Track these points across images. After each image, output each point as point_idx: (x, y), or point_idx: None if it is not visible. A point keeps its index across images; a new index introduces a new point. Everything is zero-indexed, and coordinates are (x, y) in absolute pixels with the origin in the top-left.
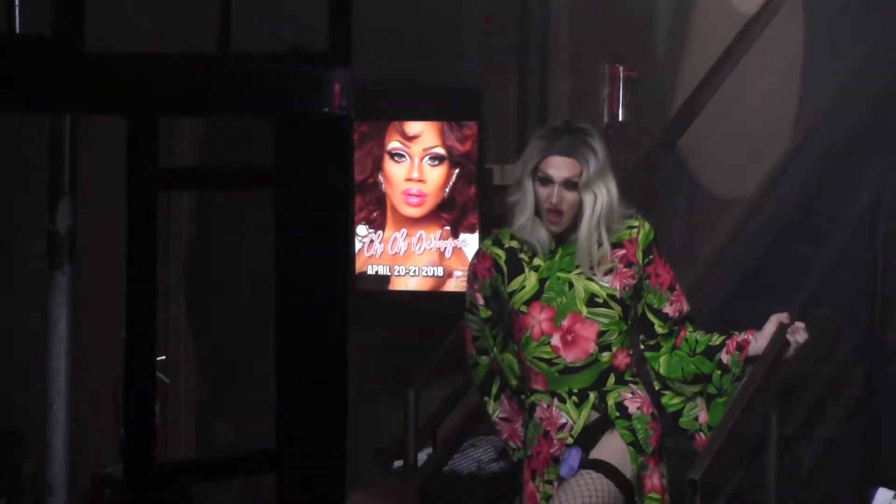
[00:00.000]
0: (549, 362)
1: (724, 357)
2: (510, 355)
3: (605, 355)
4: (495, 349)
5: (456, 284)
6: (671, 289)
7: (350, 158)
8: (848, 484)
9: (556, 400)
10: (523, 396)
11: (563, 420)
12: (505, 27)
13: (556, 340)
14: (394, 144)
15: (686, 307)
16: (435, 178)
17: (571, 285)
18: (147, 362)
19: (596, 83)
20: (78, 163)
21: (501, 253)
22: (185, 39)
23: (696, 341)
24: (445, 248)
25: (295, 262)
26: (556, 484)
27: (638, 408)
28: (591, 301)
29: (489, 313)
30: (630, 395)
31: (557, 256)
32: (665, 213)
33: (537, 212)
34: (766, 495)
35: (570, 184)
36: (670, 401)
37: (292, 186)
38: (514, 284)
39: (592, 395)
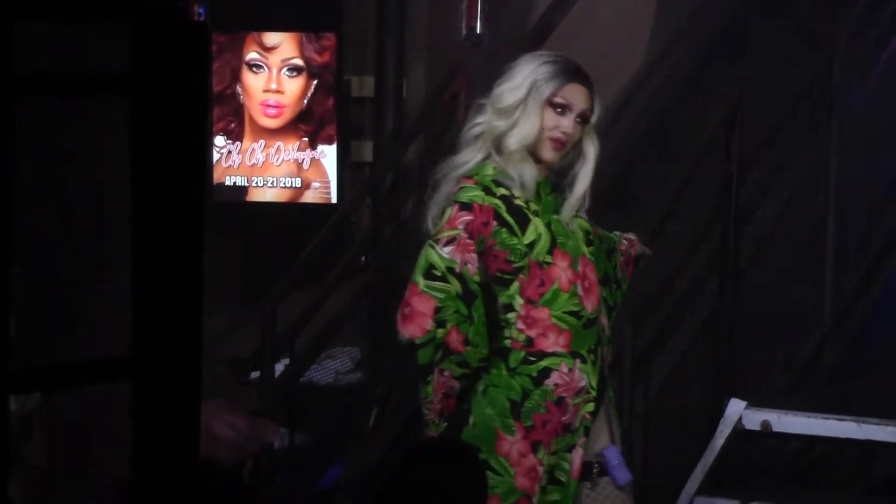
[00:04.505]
0: (577, 315)
1: (619, 267)
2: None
3: (601, 305)
4: (478, 321)
5: (314, 196)
6: None
7: (208, 67)
8: (701, 396)
9: (577, 361)
10: (513, 365)
11: (583, 383)
12: None
13: (579, 289)
14: (252, 55)
15: None
16: (293, 89)
17: (569, 225)
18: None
19: None
20: None
21: (500, 203)
22: None
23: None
24: (303, 159)
25: (150, 170)
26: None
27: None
28: (588, 240)
29: (480, 278)
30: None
31: (542, 196)
32: None
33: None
34: (621, 408)
35: (583, 118)
36: None
37: (148, 93)
38: (531, 234)
39: (600, 353)
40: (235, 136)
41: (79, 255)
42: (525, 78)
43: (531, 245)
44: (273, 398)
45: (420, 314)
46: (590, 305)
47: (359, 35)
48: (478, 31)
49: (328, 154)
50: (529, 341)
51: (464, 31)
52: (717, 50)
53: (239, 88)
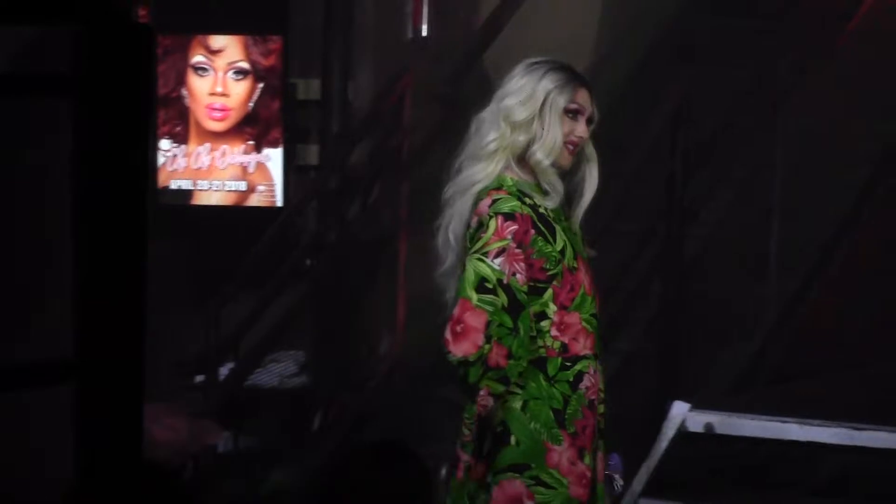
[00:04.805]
0: (596, 317)
1: None
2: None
3: None
4: (523, 333)
5: (259, 199)
6: None
7: (152, 69)
8: (646, 396)
9: (598, 363)
10: (552, 374)
11: (601, 384)
12: None
13: (593, 292)
14: (197, 58)
15: None
16: (239, 92)
17: (575, 233)
18: None
19: None
20: None
21: (531, 211)
22: None
23: None
24: (249, 162)
25: (93, 172)
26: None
27: None
28: (582, 244)
29: (526, 288)
30: None
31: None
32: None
33: None
34: None
35: (590, 120)
36: None
37: (92, 95)
38: (560, 242)
39: None
40: (181, 139)
41: (21, 257)
42: (535, 89)
43: (562, 251)
44: (218, 401)
45: (474, 330)
46: (597, 308)
47: (305, 38)
48: (424, 33)
49: (273, 157)
50: (564, 347)
51: (410, 33)
52: (664, 49)
53: (184, 91)
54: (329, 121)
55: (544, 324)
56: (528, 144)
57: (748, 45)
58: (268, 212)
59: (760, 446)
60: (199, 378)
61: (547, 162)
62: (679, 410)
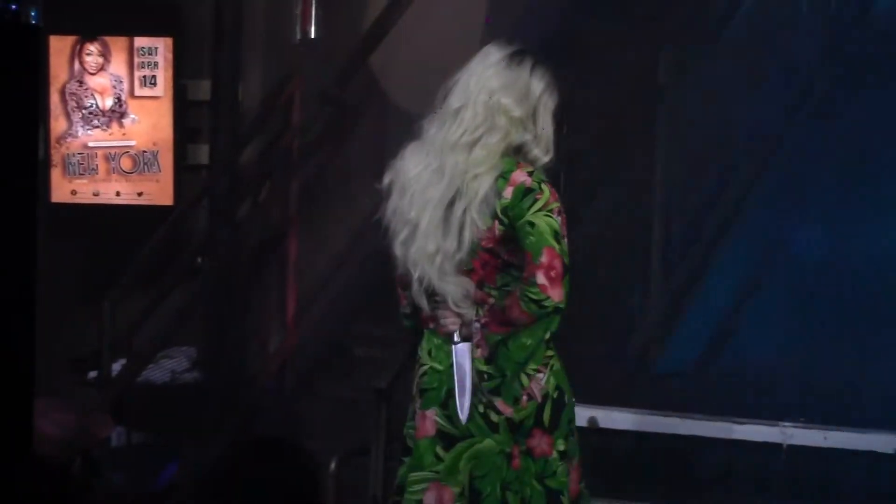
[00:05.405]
0: None
1: None
2: None
3: None
4: (565, 297)
5: (150, 198)
6: None
7: (42, 70)
8: None
9: None
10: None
11: None
12: None
13: None
14: (89, 59)
15: None
16: None
17: None
18: None
19: None
20: None
21: None
22: None
23: None
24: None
25: None
26: None
27: None
28: None
29: None
30: None
31: None
32: (356, 129)
33: None
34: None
35: None
36: None
37: None
38: None
39: None
40: (73, 138)
41: None
42: (528, 87)
43: None
44: (110, 397)
45: (562, 277)
46: None
47: (195, 39)
48: (312, 35)
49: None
50: None
51: (298, 35)
52: (548, 50)
53: (77, 91)
54: (219, 121)
55: None
56: (532, 143)
57: (631, 46)
58: (159, 211)
59: (644, 440)
60: (93, 374)
61: (546, 159)
62: None
